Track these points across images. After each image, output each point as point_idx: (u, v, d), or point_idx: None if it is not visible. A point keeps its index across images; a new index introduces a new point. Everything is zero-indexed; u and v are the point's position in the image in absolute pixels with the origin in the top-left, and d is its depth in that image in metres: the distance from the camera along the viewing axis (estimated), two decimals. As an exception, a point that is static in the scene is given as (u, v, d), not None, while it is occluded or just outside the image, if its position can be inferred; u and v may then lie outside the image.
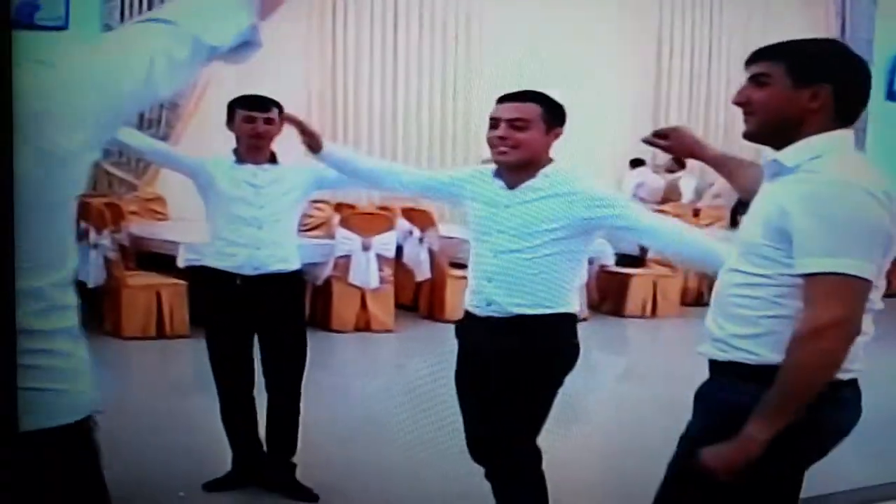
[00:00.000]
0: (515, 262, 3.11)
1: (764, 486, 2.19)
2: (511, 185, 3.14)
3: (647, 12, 11.57)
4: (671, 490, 2.34)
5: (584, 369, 3.25)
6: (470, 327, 3.25)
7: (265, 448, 4.11)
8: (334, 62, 10.10)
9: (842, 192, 2.06)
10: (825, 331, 2.02)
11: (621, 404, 6.26)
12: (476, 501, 3.37)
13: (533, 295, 3.10)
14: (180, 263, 6.78)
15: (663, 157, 11.55)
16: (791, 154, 2.15)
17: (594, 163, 9.71)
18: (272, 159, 3.97)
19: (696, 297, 9.30)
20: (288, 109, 3.90)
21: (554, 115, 3.13)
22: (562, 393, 3.19)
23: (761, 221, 2.17)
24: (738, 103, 2.25)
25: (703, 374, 2.28)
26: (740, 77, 2.35)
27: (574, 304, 3.22)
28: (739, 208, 10.06)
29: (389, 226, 7.91)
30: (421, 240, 8.27)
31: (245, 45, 1.53)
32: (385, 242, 7.79)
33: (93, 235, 7.16)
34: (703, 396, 2.31)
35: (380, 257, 7.78)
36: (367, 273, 7.70)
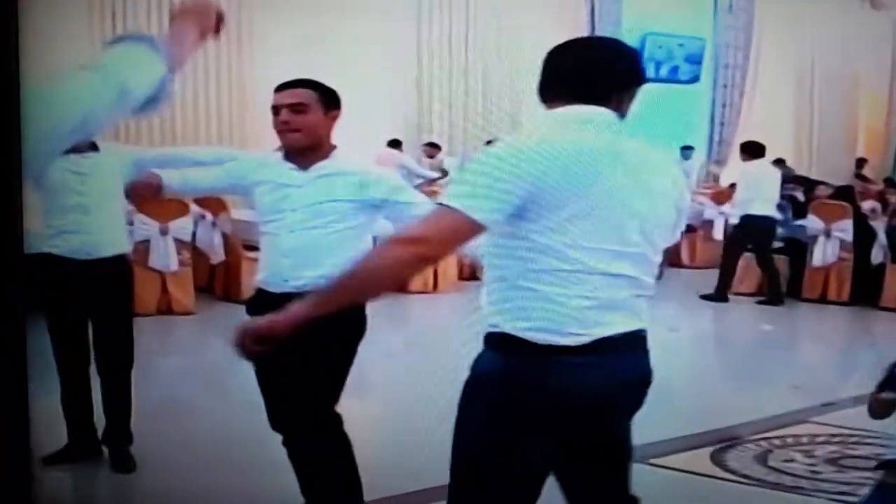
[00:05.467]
0: (311, 238, 3.27)
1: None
2: (303, 166, 3.33)
3: (407, 12, 12.07)
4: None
5: (371, 343, 3.44)
6: (266, 304, 3.30)
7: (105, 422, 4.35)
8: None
9: (482, 155, 2.17)
10: (410, 242, 2.11)
11: (405, 373, 6.61)
12: (284, 470, 3.51)
13: (328, 269, 3.16)
14: (6, 251, 6.83)
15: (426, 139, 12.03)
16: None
17: (363, 148, 10.18)
18: (93, 147, 4.13)
19: (472, 273, 10.02)
20: None
21: (329, 99, 3.33)
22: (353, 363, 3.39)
23: None
24: None
25: (478, 344, 2.35)
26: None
27: None
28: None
29: (184, 211, 8.06)
30: (214, 224, 8.50)
31: (156, 99, 1.64)
32: (182, 227, 7.96)
33: None
34: None
35: (177, 241, 7.94)
36: (166, 257, 7.86)
